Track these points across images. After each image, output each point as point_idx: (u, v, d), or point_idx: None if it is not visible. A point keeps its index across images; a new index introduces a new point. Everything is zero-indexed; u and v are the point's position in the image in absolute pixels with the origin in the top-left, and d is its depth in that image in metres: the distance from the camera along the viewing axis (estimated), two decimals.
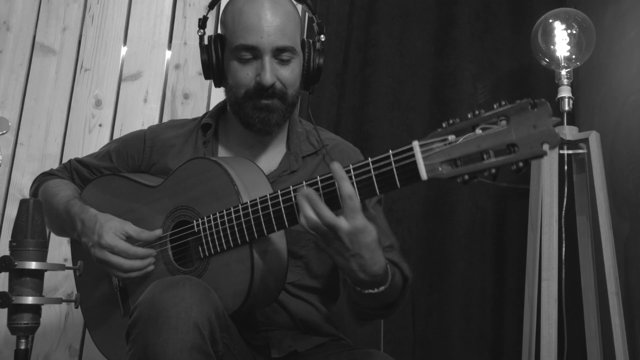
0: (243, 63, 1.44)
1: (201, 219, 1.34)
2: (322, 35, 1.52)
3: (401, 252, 1.49)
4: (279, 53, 1.43)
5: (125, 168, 1.62)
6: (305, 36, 1.55)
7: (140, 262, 1.41)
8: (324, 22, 2.47)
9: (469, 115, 1.04)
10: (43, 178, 1.70)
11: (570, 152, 2.22)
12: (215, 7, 1.63)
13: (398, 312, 1.41)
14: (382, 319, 1.43)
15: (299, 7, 1.58)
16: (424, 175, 1.08)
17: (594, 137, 2.16)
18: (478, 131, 1.03)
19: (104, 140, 2.39)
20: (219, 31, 1.53)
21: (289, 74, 1.45)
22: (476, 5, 2.56)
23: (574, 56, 2.24)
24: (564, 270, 2.15)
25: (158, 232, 1.42)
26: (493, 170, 1.03)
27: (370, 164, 1.13)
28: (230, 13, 1.46)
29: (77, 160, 1.70)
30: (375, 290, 1.25)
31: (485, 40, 2.55)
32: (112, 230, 1.41)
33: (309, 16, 1.58)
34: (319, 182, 1.19)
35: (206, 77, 1.52)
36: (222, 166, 1.33)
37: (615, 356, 2.03)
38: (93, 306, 1.59)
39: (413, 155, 1.08)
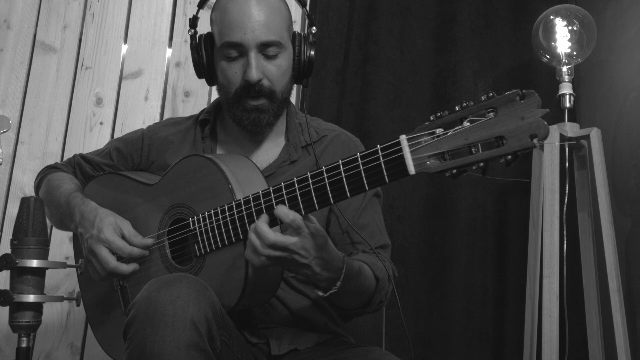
0: (230, 61, 1.44)
1: (196, 217, 1.34)
2: (313, 27, 1.52)
3: (389, 251, 1.52)
4: (264, 48, 1.42)
5: (125, 166, 1.63)
6: (302, 30, 1.55)
7: (125, 267, 1.41)
8: (325, 19, 2.48)
9: (457, 108, 1.02)
10: (48, 171, 1.72)
11: (571, 142, 2.22)
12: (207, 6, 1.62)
13: (382, 309, 1.48)
14: (361, 315, 1.47)
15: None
16: (411, 169, 1.06)
17: (595, 133, 2.16)
18: (466, 124, 1.01)
19: (105, 138, 2.39)
20: (210, 30, 1.53)
21: (275, 69, 1.45)
22: (476, 1, 2.55)
23: (575, 53, 2.23)
24: (565, 267, 2.14)
25: (150, 240, 1.43)
26: (481, 164, 1.00)
27: (359, 158, 1.13)
28: (217, 11, 1.47)
29: (81, 156, 1.71)
30: (334, 289, 1.26)
31: (486, 36, 2.55)
32: (112, 226, 1.42)
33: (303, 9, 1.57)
34: (296, 184, 1.20)
35: (199, 76, 1.53)
36: (216, 163, 1.34)
37: (617, 353, 2.03)
38: (95, 304, 1.60)
39: (400, 150, 1.07)
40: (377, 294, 1.40)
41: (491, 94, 1.00)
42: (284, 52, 1.46)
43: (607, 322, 2.11)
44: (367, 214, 1.50)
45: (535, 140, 0.95)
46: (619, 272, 2.09)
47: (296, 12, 2.29)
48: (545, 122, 0.95)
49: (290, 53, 1.49)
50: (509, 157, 0.97)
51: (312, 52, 1.50)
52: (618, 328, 2.04)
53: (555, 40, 2.24)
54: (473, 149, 1.01)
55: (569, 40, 2.23)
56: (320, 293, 1.28)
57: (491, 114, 0.99)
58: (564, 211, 2.15)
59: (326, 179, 1.16)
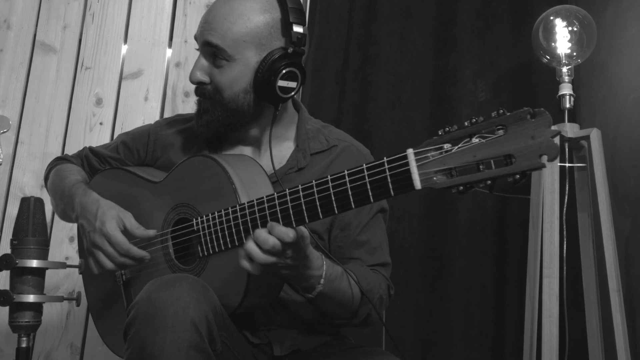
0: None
1: (200, 218, 1.34)
2: (290, 48, 1.39)
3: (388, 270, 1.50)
4: (209, 50, 1.40)
5: (131, 161, 1.62)
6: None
7: (129, 262, 1.39)
8: (324, 19, 2.48)
9: (466, 124, 1.01)
10: (57, 162, 1.71)
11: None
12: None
13: (370, 325, 1.45)
14: (348, 326, 1.46)
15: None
16: (417, 184, 1.05)
17: (595, 134, 2.16)
18: (475, 140, 0.99)
19: (105, 138, 2.39)
20: None
21: (219, 75, 1.41)
22: (476, 2, 2.56)
23: (575, 53, 2.23)
24: (565, 267, 2.14)
25: (152, 232, 1.41)
26: (489, 182, 0.99)
27: (365, 170, 1.11)
28: None
29: (90, 149, 1.70)
30: (319, 287, 1.27)
31: (486, 37, 2.55)
32: (114, 219, 1.40)
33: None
34: (300, 191, 1.18)
35: None
36: (221, 164, 1.33)
37: (617, 353, 2.03)
38: (98, 299, 1.60)
39: (407, 164, 1.06)
40: (364, 306, 1.38)
41: (501, 110, 0.98)
42: (233, 62, 1.39)
43: (607, 323, 2.12)
44: (368, 231, 1.47)
45: (544, 160, 0.93)
46: (619, 272, 2.09)
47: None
48: (556, 143, 0.94)
49: (248, 66, 1.40)
50: (517, 176, 0.96)
51: (271, 76, 1.38)
52: (618, 328, 2.04)
53: (555, 41, 2.25)
54: (481, 166, 0.99)
55: (569, 40, 2.23)
56: (309, 295, 1.28)
57: (501, 132, 0.97)
58: (564, 212, 2.16)
59: (331, 189, 1.15)
